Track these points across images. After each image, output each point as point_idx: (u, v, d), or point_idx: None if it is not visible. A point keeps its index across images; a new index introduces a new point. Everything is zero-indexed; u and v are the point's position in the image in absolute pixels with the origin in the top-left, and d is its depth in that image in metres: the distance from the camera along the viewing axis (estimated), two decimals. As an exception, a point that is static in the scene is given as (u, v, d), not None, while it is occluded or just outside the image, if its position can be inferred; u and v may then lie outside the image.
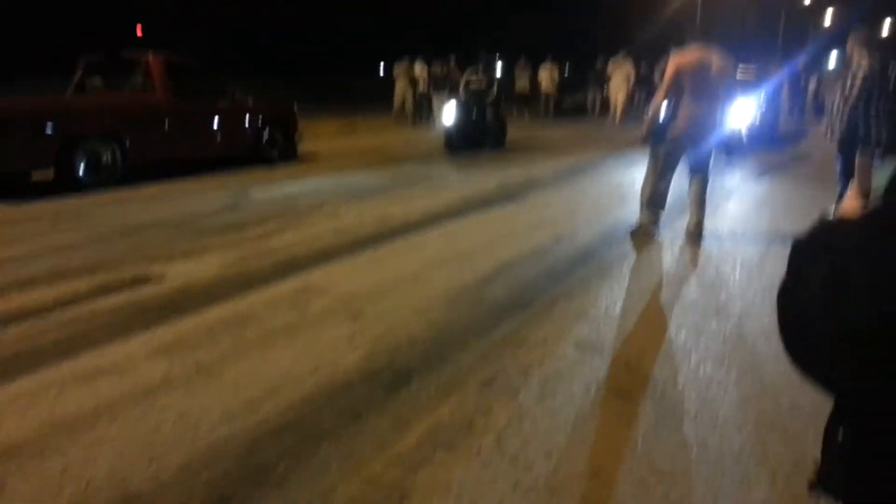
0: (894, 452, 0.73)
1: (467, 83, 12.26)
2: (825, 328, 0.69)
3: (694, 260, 5.11)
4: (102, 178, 7.91)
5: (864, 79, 5.65)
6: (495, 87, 12.43)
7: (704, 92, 5.38)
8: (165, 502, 2.21)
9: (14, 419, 2.72)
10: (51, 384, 3.02)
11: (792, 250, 0.85)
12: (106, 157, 7.96)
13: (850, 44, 5.94)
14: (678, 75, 5.35)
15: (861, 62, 5.73)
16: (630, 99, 18.07)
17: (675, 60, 5.39)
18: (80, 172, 7.72)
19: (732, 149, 6.02)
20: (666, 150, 5.61)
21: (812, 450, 2.48)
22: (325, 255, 5.12)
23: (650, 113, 5.66)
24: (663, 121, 5.57)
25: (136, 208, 6.86)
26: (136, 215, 6.50)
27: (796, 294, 0.78)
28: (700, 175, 5.66)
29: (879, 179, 0.98)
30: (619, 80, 17.09)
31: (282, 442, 2.58)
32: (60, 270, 4.68)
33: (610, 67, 17.81)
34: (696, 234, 5.60)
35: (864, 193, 0.97)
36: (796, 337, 0.77)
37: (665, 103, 5.51)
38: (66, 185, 7.61)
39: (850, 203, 0.95)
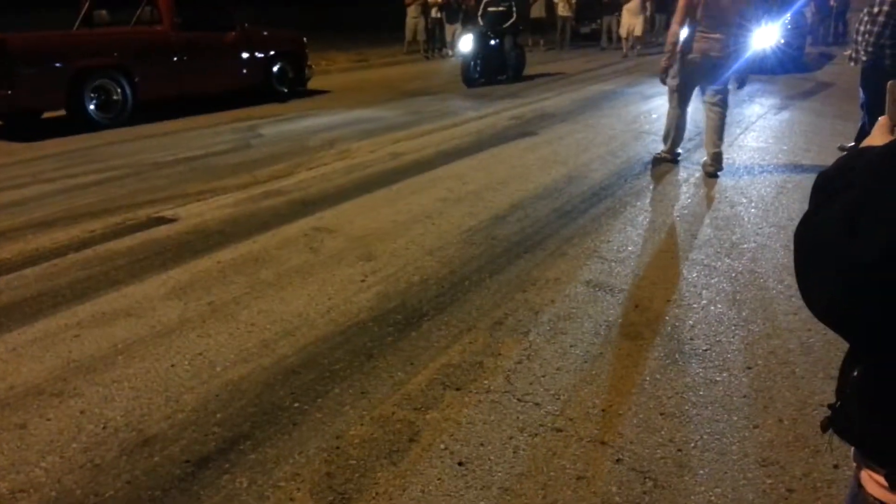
0: None
1: (485, 11, 11.85)
2: (838, 260, 0.67)
3: (709, 196, 5.04)
4: (114, 116, 7.87)
5: (893, 1, 5.35)
6: (514, 15, 12.03)
7: (719, 20, 5.26)
8: (182, 442, 2.29)
9: (33, 361, 2.80)
10: (68, 326, 3.09)
11: (815, 184, 0.83)
12: (116, 94, 7.90)
13: None
14: (690, 3, 5.27)
15: None
16: (647, 27, 17.36)
17: None
18: (91, 110, 7.68)
19: (744, 81, 5.85)
20: (681, 80, 5.57)
21: (820, 393, 2.50)
22: (338, 195, 5.11)
23: (668, 44, 5.56)
24: (681, 50, 5.45)
25: (148, 147, 6.84)
26: (149, 154, 6.49)
27: (813, 226, 0.76)
28: (718, 107, 5.54)
29: None
30: (632, 9, 16.25)
31: (296, 382, 2.64)
32: (75, 211, 4.72)
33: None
34: (714, 168, 5.51)
35: (893, 121, 0.92)
36: (810, 270, 0.75)
37: (684, 32, 5.40)
38: (77, 123, 7.59)
39: (879, 133, 0.90)
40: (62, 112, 7.73)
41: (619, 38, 17.31)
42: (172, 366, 2.76)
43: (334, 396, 2.54)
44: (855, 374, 0.81)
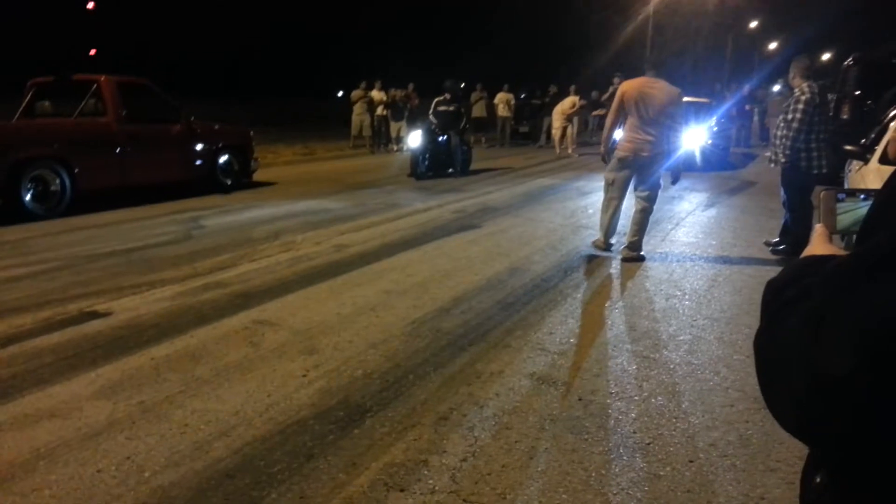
0: (874, 500, 0.70)
1: (435, 109, 12.33)
2: (802, 375, 0.67)
3: (645, 289, 5.19)
4: (50, 207, 7.70)
5: (806, 106, 5.80)
6: (463, 116, 12.60)
7: (649, 121, 5.69)
8: (106, 555, 2.13)
9: (-54, 468, 2.60)
10: (-13, 429, 2.89)
11: (765, 293, 0.83)
12: (54, 184, 7.77)
13: (792, 72, 6.13)
14: (623, 103, 5.77)
15: (802, 89, 5.89)
16: (581, 127, 18.27)
17: (621, 89, 5.82)
18: (27, 201, 7.50)
19: (677, 177, 6.26)
20: (615, 176, 5.97)
21: (760, 486, 2.53)
22: (281, 287, 5.05)
23: (603, 137, 6.15)
24: (615, 148, 5.96)
25: (84, 238, 6.68)
26: (85, 246, 6.33)
27: (772, 339, 0.76)
28: (644, 202, 5.99)
29: (844, 218, 1.00)
30: (558, 111, 16.94)
31: (230, 487, 2.51)
32: (3, 305, 4.53)
33: (552, 97, 18.29)
34: (632, 254, 5.94)
35: (829, 230, 0.97)
36: (774, 384, 0.74)
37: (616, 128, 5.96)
38: (11, 213, 7.38)
39: (818, 242, 0.94)
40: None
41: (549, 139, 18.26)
42: (98, 471, 2.60)
43: (271, 502, 2.43)
44: (818, 480, 0.79)
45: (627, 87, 5.76)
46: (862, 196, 0.98)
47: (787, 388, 0.70)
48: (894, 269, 0.62)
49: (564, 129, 16.72)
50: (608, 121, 5.99)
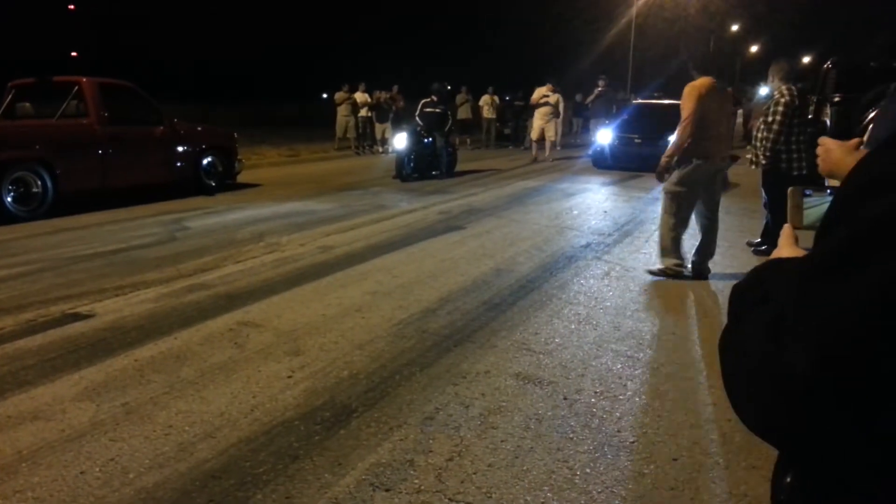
0: (841, 500, 0.71)
1: (422, 111, 12.34)
2: (766, 377, 0.67)
3: (629, 289, 5.23)
4: (32, 209, 7.63)
5: (785, 108, 5.88)
6: (450, 119, 12.60)
7: (715, 128, 5.20)
8: (90, 557, 2.11)
9: (-74, 471, 2.57)
10: (-32, 432, 2.86)
11: (731, 297, 0.84)
12: (35, 186, 7.69)
13: (771, 75, 6.20)
14: (702, 107, 5.07)
15: (781, 92, 5.97)
16: (565, 129, 16.82)
17: (696, 91, 5.09)
18: (8, 202, 7.42)
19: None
20: (690, 186, 5.30)
21: (743, 483, 2.56)
22: (266, 288, 5.03)
23: (672, 149, 5.24)
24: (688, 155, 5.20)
25: (66, 240, 6.62)
26: (67, 248, 6.27)
27: (736, 342, 0.76)
28: (715, 209, 5.54)
29: (811, 214, 1.01)
30: (542, 113, 15.41)
31: (215, 488, 2.50)
32: (-18, 307, 4.47)
33: (535, 97, 15.86)
34: (705, 268, 5.53)
35: (795, 225, 0.98)
36: (738, 387, 0.74)
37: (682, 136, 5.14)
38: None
39: (785, 244, 0.95)
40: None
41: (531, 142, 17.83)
42: (82, 473, 2.58)
43: (257, 503, 2.42)
44: (788, 479, 0.80)
45: (704, 89, 5.09)
46: (829, 192, 0.99)
47: (748, 389, 0.71)
48: (850, 268, 0.63)
49: (542, 131, 15.39)
50: (686, 131, 5.08)
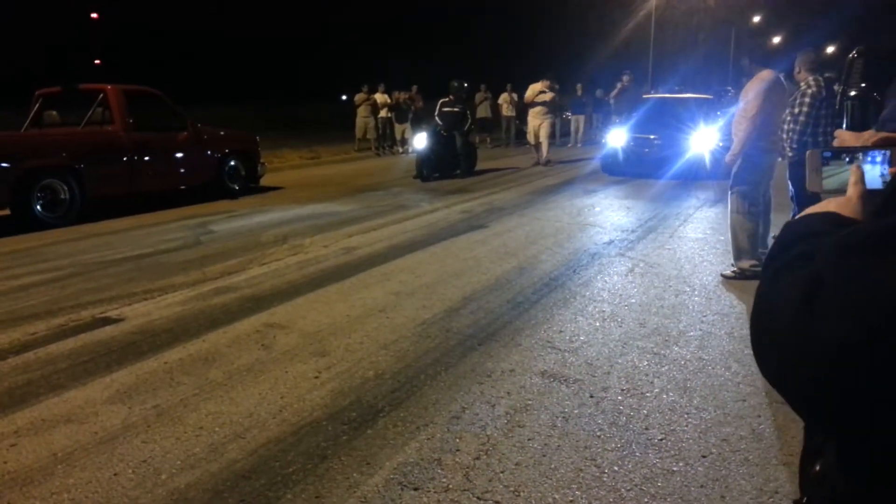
0: (874, 480, 0.70)
1: (441, 111, 12.35)
2: (800, 344, 0.65)
3: (654, 286, 5.19)
4: (60, 215, 7.77)
5: (812, 100, 5.79)
6: (469, 118, 12.58)
7: (781, 113, 5.35)
8: (126, 557, 2.15)
9: (-34, 474, 2.63)
10: (5, 434, 2.93)
11: (781, 235, 0.82)
12: (63, 193, 7.83)
13: (798, 66, 6.10)
14: (768, 99, 5.10)
15: (808, 83, 5.88)
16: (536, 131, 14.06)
17: (762, 84, 5.11)
18: (37, 210, 7.57)
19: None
20: (760, 179, 5.33)
21: (773, 480, 2.53)
22: (291, 290, 5.08)
23: (738, 145, 5.22)
24: (747, 150, 5.21)
25: (94, 246, 6.73)
26: (95, 253, 6.38)
27: (771, 307, 0.73)
28: (770, 201, 5.66)
29: (830, 182, 0.96)
30: (536, 112, 13.96)
31: (246, 488, 2.54)
32: (17, 313, 4.57)
33: (529, 95, 14.18)
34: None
35: (815, 190, 0.94)
36: (770, 354, 0.72)
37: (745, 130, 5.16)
38: (22, 222, 7.45)
39: (838, 202, 0.86)
40: (6, 212, 7.59)
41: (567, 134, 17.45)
42: (115, 474, 2.63)
43: (287, 502, 2.45)
44: (817, 468, 0.79)
45: (770, 82, 5.11)
46: (847, 158, 0.95)
47: (784, 358, 0.69)
48: None
49: (537, 131, 13.92)
50: (750, 125, 5.09)
